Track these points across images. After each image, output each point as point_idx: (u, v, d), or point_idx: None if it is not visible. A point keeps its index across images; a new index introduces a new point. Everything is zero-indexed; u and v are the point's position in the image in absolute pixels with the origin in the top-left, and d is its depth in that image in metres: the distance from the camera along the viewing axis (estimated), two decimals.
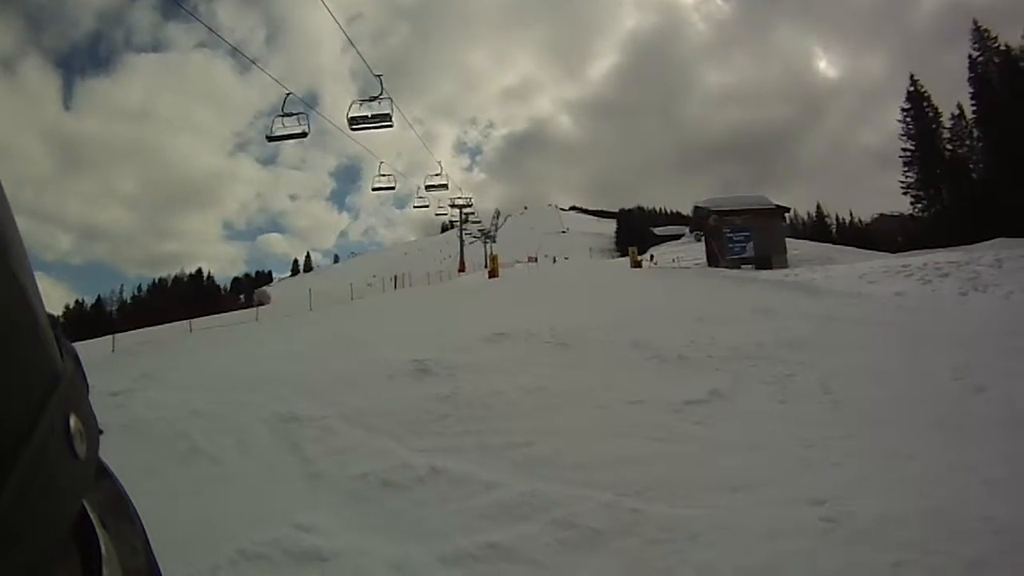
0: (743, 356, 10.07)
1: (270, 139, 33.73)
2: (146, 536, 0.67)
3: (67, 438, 0.47)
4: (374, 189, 47.40)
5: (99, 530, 0.55)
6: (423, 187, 55.46)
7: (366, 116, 33.11)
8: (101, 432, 0.57)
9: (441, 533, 5.17)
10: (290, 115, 32.53)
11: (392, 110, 32.69)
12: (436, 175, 54.90)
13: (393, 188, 47.38)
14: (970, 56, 61.10)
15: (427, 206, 59.79)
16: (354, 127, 33.36)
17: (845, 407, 7.51)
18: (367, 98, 33.35)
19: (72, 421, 0.49)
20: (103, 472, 0.63)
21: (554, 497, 5.44)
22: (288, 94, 32.31)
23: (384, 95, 32.78)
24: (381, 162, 43.75)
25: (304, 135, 32.81)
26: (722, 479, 5.54)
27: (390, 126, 33.43)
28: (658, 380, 8.95)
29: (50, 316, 0.52)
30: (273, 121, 33.08)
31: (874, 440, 6.30)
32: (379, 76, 32.69)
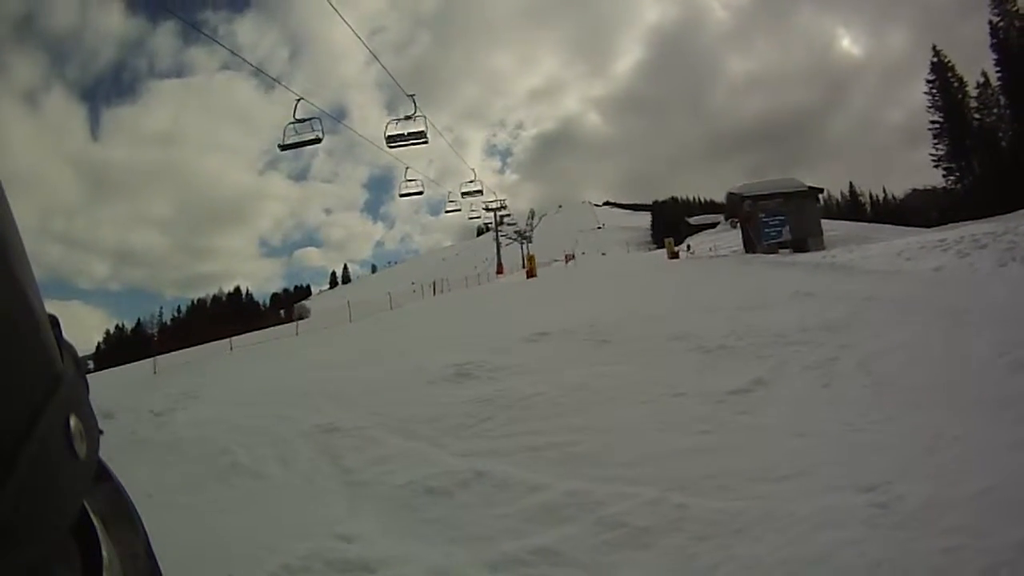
0: (784, 342, 9.90)
1: (283, 147, 33.44)
2: (147, 536, 0.68)
3: (67, 438, 0.48)
4: (402, 195, 47.64)
5: (99, 530, 0.55)
6: (459, 194, 57.80)
7: (402, 134, 36.80)
8: (101, 432, 0.57)
9: (486, 538, 5.14)
10: (303, 121, 32.17)
11: (426, 127, 36.27)
12: (471, 182, 57.53)
13: (421, 193, 47.38)
14: (990, 22, 60.24)
15: (459, 210, 61.49)
16: (392, 145, 36.85)
17: (888, 389, 7.33)
18: (402, 117, 36.55)
19: (72, 421, 0.49)
20: (104, 473, 0.63)
21: (599, 496, 5.40)
22: (299, 99, 32.00)
23: (418, 113, 36.06)
24: (407, 167, 43.92)
25: (318, 140, 32.63)
26: (768, 469, 5.45)
27: (425, 142, 37.06)
28: (700, 371, 8.85)
29: (50, 316, 0.52)
30: (285, 129, 32.59)
31: (919, 422, 6.14)
32: (412, 96, 36.14)
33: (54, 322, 0.53)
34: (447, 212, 57.55)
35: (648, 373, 9.00)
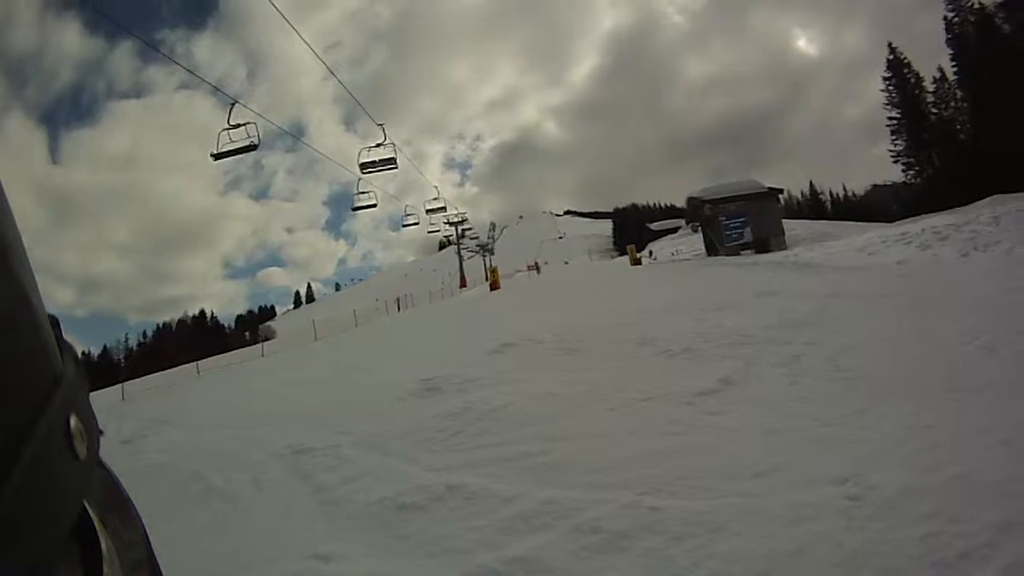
0: (750, 342, 10.01)
1: (216, 156, 31.36)
2: (147, 536, 0.68)
3: (67, 438, 0.48)
4: (354, 209, 46.67)
5: (100, 530, 0.55)
6: (424, 211, 59.10)
7: (375, 160, 39.62)
8: (102, 433, 0.58)
9: (463, 550, 5.12)
10: (237, 126, 30.36)
11: (395, 153, 39.48)
12: (434, 199, 60.05)
13: (375, 205, 46.40)
14: (945, 18, 61.38)
15: (417, 223, 61.43)
16: (365, 171, 40.08)
17: (857, 382, 7.45)
18: (374, 145, 39.79)
19: (72, 421, 0.49)
20: (104, 472, 0.64)
21: (574, 503, 5.40)
22: (233, 103, 30.23)
23: (388, 141, 39.40)
24: (360, 178, 42.98)
25: (254, 147, 30.52)
26: (740, 467, 5.49)
27: (395, 168, 40.18)
28: (668, 374, 8.89)
29: (50, 316, 0.52)
30: (219, 136, 30.77)
31: (890, 412, 6.24)
32: (381, 125, 38.33)
33: (54, 322, 0.53)
34: (404, 226, 57.22)
35: (617, 379, 9.04)
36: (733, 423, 6.71)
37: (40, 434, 0.44)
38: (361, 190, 44.04)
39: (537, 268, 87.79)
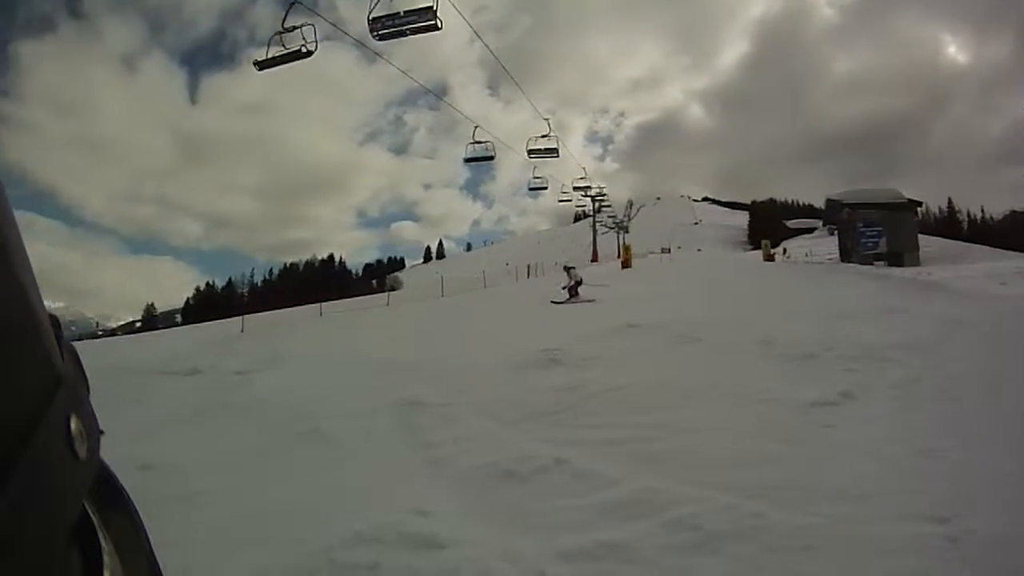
0: (871, 357, 9.62)
1: (261, 65, 27.42)
2: (148, 537, 0.68)
3: (68, 439, 0.48)
4: (467, 160, 44.75)
5: (100, 531, 0.56)
6: (571, 188, 60.19)
7: (540, 149, 43.35)
8: (102, 433, 0.58)
9: (559, 527, 5.17)
10: (291, 29, 26.01)
11: (559, 145, 43.42)
12: (581, 178, 61.48)
13: (492, 158, 44.19)
14: None
15: (569, 200, 63.85)
16: (531, 157, 43.87)
17: (971, 417, 7.05)
18: (540, 135, 43.46)
19: (73, 422, 0.49)
20: (104, 473, 0.63)
21: (674, 496, 5.38)
22: (293, 2, 25.73)
23: (552, 133, 43.31)
24: (476, 126, 41.41)
25: (308, 55, 26.06)
26: (843, 487, 5.32)
27: (557, 157, 44.26)
28: (785, 379, 8.68)
29: (51, 316, 0.53)
30: (270, 41, 26.71)
31: (1000, 454, 5.89)
32: (547, 119, 42.37)
33: (54, 322, 0.54)
34: (532, 188, 56.40)
35: (733, 375, 8.93)
36: (844, 439, 6.49)
37: (41, 434, 0.45)
38: (476, 140, 42.04)
39: (670, 252, 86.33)
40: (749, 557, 4.37)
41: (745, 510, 4.99)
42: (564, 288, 22.09)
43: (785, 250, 55.03)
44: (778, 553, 4.39)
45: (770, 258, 43.42)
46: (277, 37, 26.07)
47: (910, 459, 5.94)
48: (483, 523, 5.44)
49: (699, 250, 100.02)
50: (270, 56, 26.59)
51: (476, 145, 42.37)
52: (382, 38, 25.57)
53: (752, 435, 6.69)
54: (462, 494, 6.14)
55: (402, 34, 25.23)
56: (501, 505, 5.79)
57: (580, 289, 22.07)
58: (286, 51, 26.21)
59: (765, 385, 8.37)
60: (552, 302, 20.69)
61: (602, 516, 5.26)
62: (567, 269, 23.58)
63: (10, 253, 0.47)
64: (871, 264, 35.33)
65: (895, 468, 5.73)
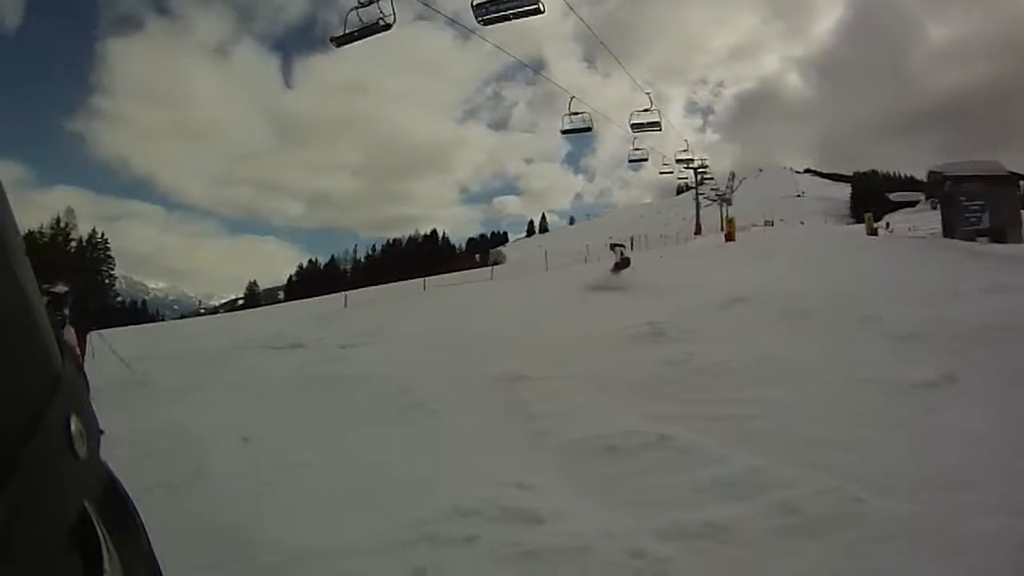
0: (976, 338, 8.95)
1: (339, 41, 26.46)
2: (147, 536, 0.69)
3: (68, 439, 0.49)
4: (564, 132, 43.07)
5: (100, 530, 0.56)
6: (672, 159, 60.03)
7: (642, 123, 43.90)
8: (102, 432, 0.59)
9: (659, 504, 5.17)
10: (367, 3, 24.94)
11: (660, 118, 44.00)
12: (683, 151, 61.56)
13: (589, 129, 42.90)
14: None
15: (671, 173, 63.05)
16: (635, 131, 44.80)
17: None
18: (642, 109, 43.98)
19: (73, 422, 0.50)
20: (104, 473, 0.63)
21: (777, 476, 5.32)
22: None
23: (654, 107, 43.84)
24: (572, 98, 40.37)
25: (387, 28, 24.93)
26: (945, 475, 5.06)
27: (659, 130, 45.16)
28: (888, 358, 8.35)
29: (51, 316, 0.52)
30: (347, 16, 25.64)
31: None
32: (648, 93, 45.14)
33: (55, 322, 0.53)
34: (631, 161, 55.78)
35: (837, 353, 8.69)
36: (947, 424, 6.17)
37: (41, 435, 0.45)
38: (573, 111, 40.77)
39: (773, 225, 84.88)
40: (847, 544, 4.29)
41: (845, 494, 4.88)
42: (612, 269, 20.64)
43: (888, 224, 53.26)
44: (877, 541, 4.29)
45: (873, 232, 41.90)
46: (354, 12, 25.41)
47: (1016, 448, 5.61)
48: (583, 498, 5.48)
49: (801, 223, 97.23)
50: (348, 32, 26.08)
51: (573, 116, 41.39)
52: (486, 23, 25.39)
53: (853, 415, 6.49)
54: (563, 468, 6.19)
55: (506, 19, 25.01)
56: (602, 480, 5.82)
57: (626, 272, 20.42)
58: (363, 25, 25.44)
59: (867, 364, 8.07)
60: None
61: (703, 494, 5.24)
62: (613, 247, 21.75)
63: (10, 253, 0.48)
64: (974, 240, 33.91)
65: (999, 457, 5.41)
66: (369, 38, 25.85)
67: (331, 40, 27.03)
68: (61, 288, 5.73)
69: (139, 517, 0.68)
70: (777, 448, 5.88)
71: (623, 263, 20.76)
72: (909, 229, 46.75)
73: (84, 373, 0.58)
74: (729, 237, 45.42)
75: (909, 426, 6.18)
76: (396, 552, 4.89)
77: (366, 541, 5.03)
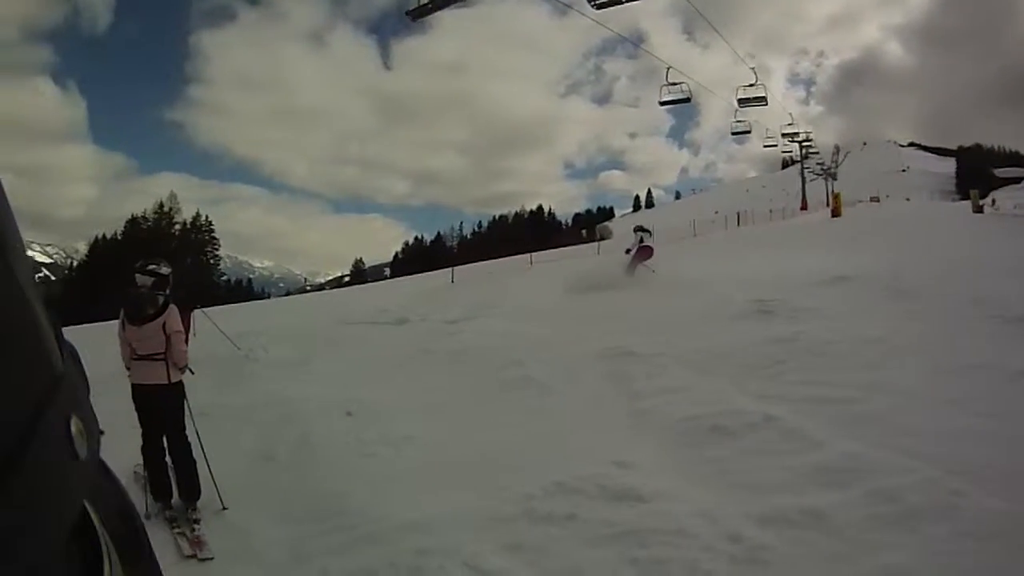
0: None
1: (414, 15, 26.66)
2: (147, 536, 0.69)
3: (68, 438, 0.48)
4: (662, 103, 42.68)
5: (100, 530, 0.57)
6: (777, 133, 61.69)
7: (748, 98, 46.04)
8: (102, 432, 0.58)
9: (760, 488, 5.18)
10: None
11: (766, 93, 46.33)
12: (788, 125, 63.32)
13: (688, 100, 42.38)
14: None
15: (775, 146, 64.40)
16: (741, 106, 47.10)
17: None
18: (747, 84, 46.40)
19: (73, 421, 0.50)
20: (104, 473, 0.64)
21: (877, 464, 5.20)
22: None
23: (759, 82, 46.15)
24: (669, 68, 39.97)
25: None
26: None
27: (765, 105, 47.10)
28: (997, 343, 7.85)
29: (50, 316, 0.53)
30: None
31: None
32: (753, 68, 46.55)
33: (54, 322, 0.53)
34: (735, 134, 54.98)
35: (943, 335, 8.31)
36: None
37: (41, 434, 0.45)
38: (671, 81, 40.61)
39: (878, 201, 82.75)
40: (943, 540, 4.18)
41: (944, 486, 4.73)
42: (628, 251, 18.16)
43: (994, 201, 51.30)
44: (974, 540, 4.15)
45: (979, 209, 40.47)
46: None
47: None
48: (684, 479, 5.52)
49: (907, 199, 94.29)
50: (422, 3, 26.43)
51: (671, 87, 40.95)
52: (600, 7, 26.98)
53: (958, 403, 6.22)
54: (667, 447, 6.24)
55: (619, 2, 26.95)
56: (705, 461, 5.84)
57: (647, 262, 17.64)
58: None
59: (974, 348, 7.69)
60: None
61: (805, 480, 5.19)
62: (636, 230, 19.00)
63: (10, 253, 0.48)
64: None
65: None
66: (445, 9, 26.66)
67: (406, 14, 27.69)
68: (165, 268, 5.92)
69: (140, 517, 0.69)
70: (879, 434, 5.74)
71: (643, 252, 17.76)
72: (1015, 207, 44.94)
73: (84, 373, 0.59)
74: (835, 213, 44.86)
75: (1014, 417, 5.85)
76: (494, 528, 5.02)
77: (464, 515, 5.19)
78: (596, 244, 38.84)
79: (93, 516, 0.57)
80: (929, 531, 4.28)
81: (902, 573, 3.99)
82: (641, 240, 18.04)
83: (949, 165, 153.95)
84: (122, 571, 0.58)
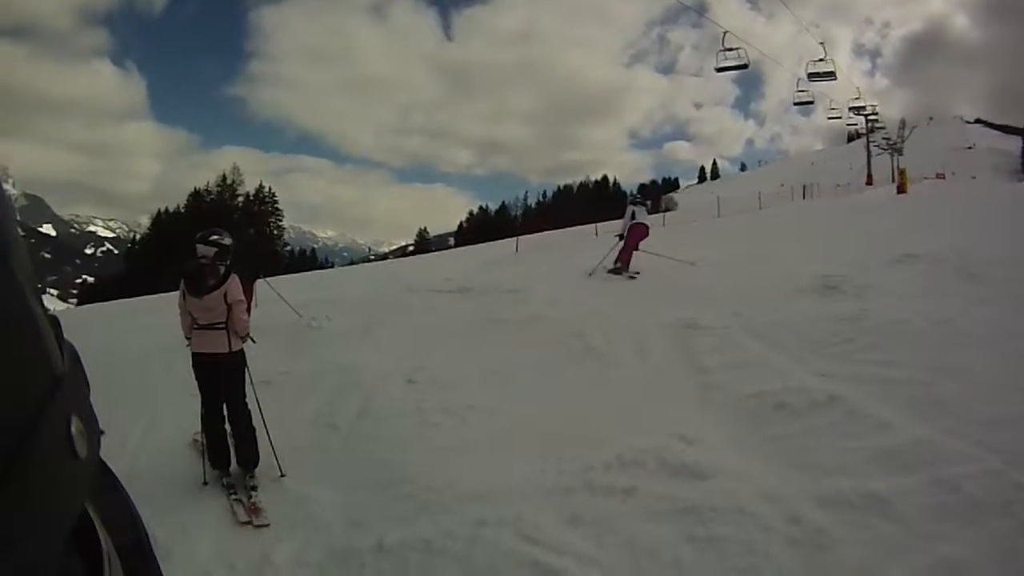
0: None
1: None
2: (147, 536, 0.68)
3: (68, 439, 0.48)
4: (718, 69, 41.96)
5: (100, 530, 0.57)
6: (845, 106, 63.68)
7: (818, 72, 48.54)
8: (103, 432, 0.57)
9: (824, 469, 5.15)
10: None
11: (835, 68, 48.52)
12: (856, 99, 65.03)
13: (746, 66, 41.11)
14: None
15: (839, 118, 66.27)
16: (811, 80, 49.48)
17: None
18: (817, 59, 48.91)
19: (73, 421, 0.49)
20: (105, 473, 0.64)
21: (943, 451, 5.11)
22: None
23: (828, 56, 48.21)
24: (725, 32, 39.64)
25: None
26: None
27: (835, 80, 49.76)
28: None
29: (50, 316, 0.53)
30: None
31: None
32: (822, 43, 48.72)
33: (54, 322, 0.53)
34: (797, 104, 55.51)
35: (1016, 319, 7.93)
36: None
37: (41, 435, 0.44)
38: (727, 47, 40.13)
39: (944, 178, 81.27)
40: (1005, 536, 4.15)
41: (1009, 479, 4.63)
42: (620, 236, 14.39)
43: None
44: None
45: None
46: None
47: None
48: (747, 456, 5.54)
49: (973, 177, 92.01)
50: None
51: (727, 53, 40.18)
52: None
53: None
54: (730, 423, 6.24)
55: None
56: (768, 439, 5.84)
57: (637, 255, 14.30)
58: None
59: None
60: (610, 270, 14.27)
61: (869, 463, 5.14)
62: (631, 203, 15.46)
63: (10, 253, 0.47)
64: None
65: None
66: None
67: None
68: (226, 239, 6.03)
69: (139, 517, 0.68)
70: (946, 420, 5.63)
71: (636, 232, 14.23)
72: None
73: (84, 373, 0.58)
74: (901, 189, 43.88)
75: None
76: (553, 498, 5.12)
77: (524, 485, 5.30)
78: (662, 215, 38.39)
79: (94, 516, 0.57)
80: (991, 526, 4.23)
81: (960, 566, 3.97)
82: (633, 215, 14.44)
83: (1016, 143, 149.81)
84: (122, 571, 0.59)
